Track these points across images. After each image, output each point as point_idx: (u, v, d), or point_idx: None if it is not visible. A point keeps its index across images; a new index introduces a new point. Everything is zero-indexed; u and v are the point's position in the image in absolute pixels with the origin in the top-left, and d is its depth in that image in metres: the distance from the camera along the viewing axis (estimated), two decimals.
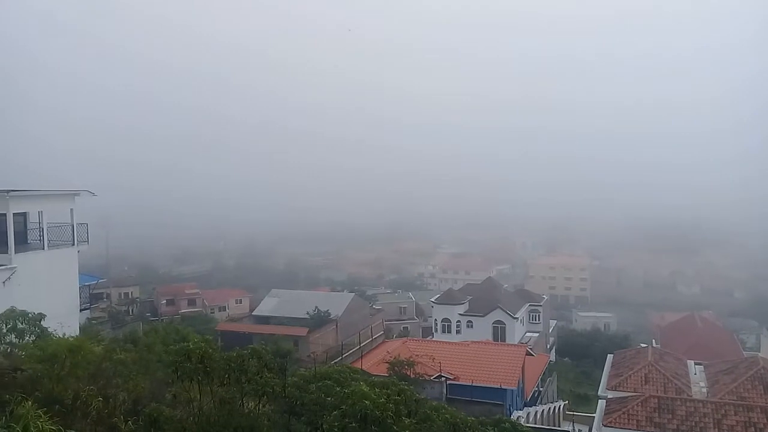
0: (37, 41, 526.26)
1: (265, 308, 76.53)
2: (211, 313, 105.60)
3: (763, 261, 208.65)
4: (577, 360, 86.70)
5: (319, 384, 18.21)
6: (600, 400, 36.52)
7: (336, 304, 72.59)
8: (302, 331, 60.99)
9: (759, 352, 65.59)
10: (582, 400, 62.09)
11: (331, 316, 68.29)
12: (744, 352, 65.26)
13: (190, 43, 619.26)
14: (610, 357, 45.55)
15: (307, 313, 68.64)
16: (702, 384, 39.38)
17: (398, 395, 17.60)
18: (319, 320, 67.01)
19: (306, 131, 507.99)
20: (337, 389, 16.96)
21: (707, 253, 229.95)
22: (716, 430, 30.62)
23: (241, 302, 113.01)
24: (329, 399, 16.40)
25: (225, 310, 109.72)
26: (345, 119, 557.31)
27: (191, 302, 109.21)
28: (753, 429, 30.34)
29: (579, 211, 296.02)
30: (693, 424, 31.15)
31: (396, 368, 36.58)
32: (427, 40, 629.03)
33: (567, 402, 55.47)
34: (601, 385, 39.67)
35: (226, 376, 15.23)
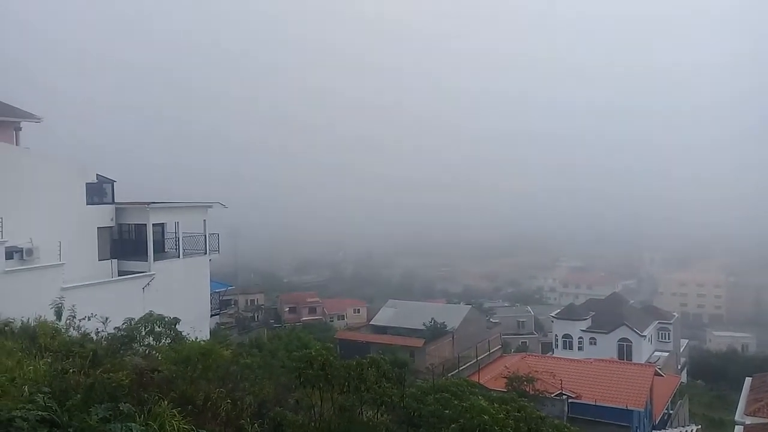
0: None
1: (382, 318, 77.34)
2: (330, 321, 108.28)
3: None
4: (712, 383, 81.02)
5: (437, 396, 18.08)
6: (737, 426, 33.81)
7: (452, 316, 72.08)
8: (419, 342, 61.12)
9: None
10: (716, 425, 57.84)
11: (448, 328, 67.87)
12: None
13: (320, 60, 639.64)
14: (748, 380, 42.04)
15: (424, 324, 68.63)
16: None
17: (518, 412, 17.13)
18: (435, 332, 66.80)
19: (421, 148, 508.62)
20: (455, 402, 16.76)
21: None
22: None
23: (359, 312, 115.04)
24: (447, 412, 16.23)
25: (344, 318, 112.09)
26: (458, 133, 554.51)
27: (312, 310, 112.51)
28: None
29: (716, 227, 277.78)
30: None
31: (514, 384, 35.76)
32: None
33: (700, 426, 51.77)
34: (738, 409, 36.62)
35: (346, 384, 15.45)
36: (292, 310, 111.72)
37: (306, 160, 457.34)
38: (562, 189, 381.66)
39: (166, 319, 19.42)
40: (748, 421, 34.09)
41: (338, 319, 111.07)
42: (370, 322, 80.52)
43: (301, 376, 15.15)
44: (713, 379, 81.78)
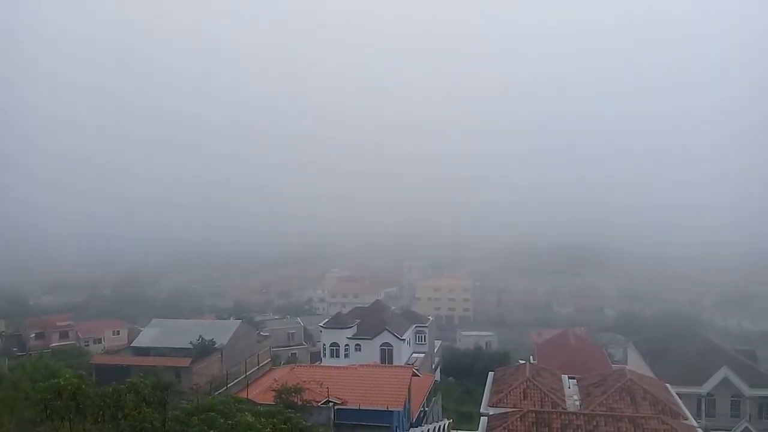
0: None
1: (144, 339, 73.03)
2: (86, 345, 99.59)
3: (631, 279, 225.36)
4: (461, 379, 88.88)
5: (202, 417, 17.75)
6: (482, 417, 37.74)
7: (221, 332, 70.48)
8: (185, 362, 58.70)
9: (626, 364, 70.51)
10: (466, 418, 63.65)
11: (216, 345, 66.24)
12: (612, 366, 69.72)
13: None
14: (491, 375, 47.26)
15: (191, 343, 66.17)
16: (575, 397, 41.71)
17: (284, 424, 17.54)
18: (203, 350, 64.74)
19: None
20: (221, 421, 16.64)
21: (584, 273, 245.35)
22: None
23: (118, 333, 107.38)
24: None
25: (101, 342, 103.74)
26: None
27: (63, 335, 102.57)
28: None
29: (467, 232, 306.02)
30: None
31: (283, 396, 36.07)
32: None
33: (451, 420, 56.79)
34: (483, 402, 40.99)
35: (101, 413, 14.57)
36: (40, 335, 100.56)
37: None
38: (332, 196, 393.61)
39: None
40: (492, 411, 38.32)
41: (94, 343, 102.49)
42: (132, 344, 75.61)
43: (48, 409, 13.95)
44: (462, 375, 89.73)
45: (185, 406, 21.33)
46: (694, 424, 37.99)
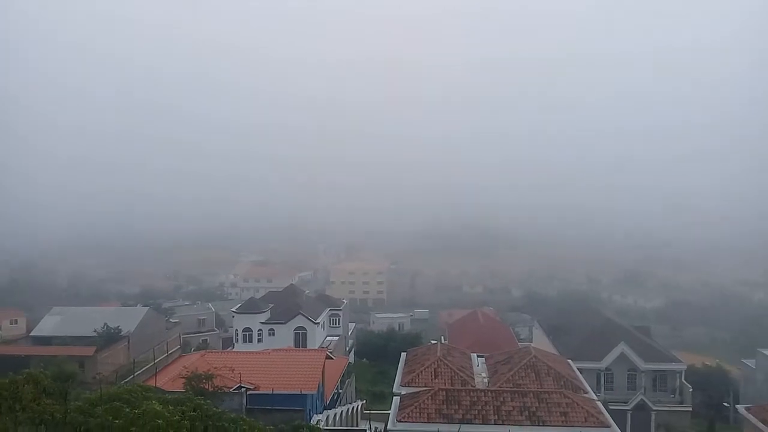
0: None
1: (45, 328, 69.71)
2: None
3: (537, 260, 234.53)
4: (375, 360, 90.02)
5: (107, 406, 17.18)
6: (395, 397, 38.45)
7: (127, 319, 68.24)
8: (89, 351, 56.43)
9: (531, 342, 73.56)
10: (379, 399, 64.67)
11: (122, 333, 64.09)
12: (519, 343, 72.58)
13: None
14: (403, 355, 48.11)
15: (95, 331, 63.71)
16: (484, 375, 43.16)
17: (194, 411, 17.22)
18: (108, 338, 62.53)
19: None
20: (127, 410, 16.15)
21: (493, 255, 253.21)
22: (496, 416, 33.76)
23: (16, 322, 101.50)
24: (117, 422, 15.56)
25: None
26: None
27: None
28: (527, 412, 33.93)
29: (382, 216, 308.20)
30: (476, 412, 34.07)
31: (193, 383, 35.37)
32: None
33: (365, 401, 57.53)
34: (395, 382, 41.70)
35: None
36: None
37: None
38: (244, 178, 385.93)
39: None
40: (404, 391, 39.08)
41: None
42: (31, 334, 71.89)
43: None
44: (376, 357, 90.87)
45: (89, 396, 20.56)
46: (594, 397, 40.21)
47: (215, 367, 38.37)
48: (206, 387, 35.07)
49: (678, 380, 61.45)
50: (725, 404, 64.47)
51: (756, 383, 67.24)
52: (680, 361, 63.48)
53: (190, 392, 30.80)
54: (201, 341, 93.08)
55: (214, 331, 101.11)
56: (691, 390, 61.13)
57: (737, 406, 49.67)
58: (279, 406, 37.89)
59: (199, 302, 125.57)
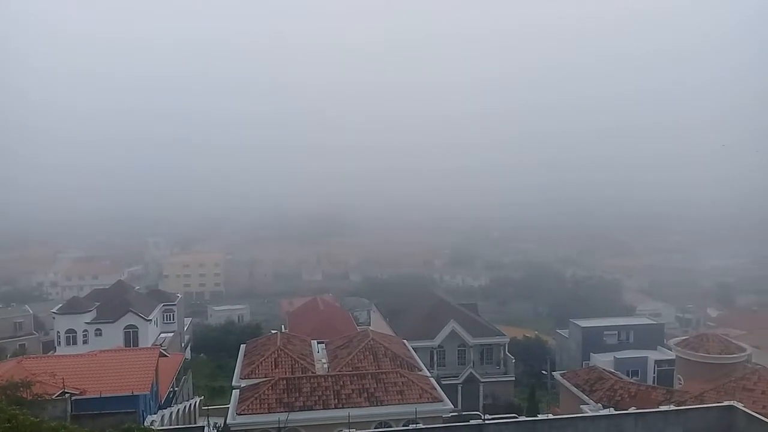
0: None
1: None
2: None
3: (373, 246, 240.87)
4: (213, 354, 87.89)
5: None
6: (234, 390, 37.90)
7: None
8: None
9: (370, 325, 75.65)
10: (218, 393, 63.35)
11: None
12: (358, 327, 74.27)
13: None
14: (243, 347, 47.53)
15: None
16: (324, 360, 43.81)
17: (8, 422, 15.86)
18: None
19: None
20: None
21: (332, 242, 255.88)
22: (336, 399, 34.52)
23: None
24: None
25: None
26: None
27: None
28: (366, 394, 35.05)
29: (216, 205, 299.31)
30: (317, 398, 34.61)
31: (8, 392, 32.32)
32: None
33: (203, 397, 56.05)
34: (234, 375, 41.15)
35: None
36: None
37: None
38: (58, 165, 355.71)
39: None
40: (243, 383, 38.60)
41: None
42: None
43: None
44: (214, 351, 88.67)
45: None
46: (428, 374, 42.39)
47: (34, 374, 35.31)
48: (24, 395, 32.25)
49: (502, 352, 66.35)
50: (543, 372, 70.58)
51: (569, 351, 74.48)
52: (504, 335, 68.52)
53: (4, 403, 28.16)
54: (18, 346, 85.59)
55: (32, 334, 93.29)
56: (513, 361, 66.28)
57: (553, 372, 54.71)
58: (109, 410, 35.74)
59: (14, 304, 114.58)
